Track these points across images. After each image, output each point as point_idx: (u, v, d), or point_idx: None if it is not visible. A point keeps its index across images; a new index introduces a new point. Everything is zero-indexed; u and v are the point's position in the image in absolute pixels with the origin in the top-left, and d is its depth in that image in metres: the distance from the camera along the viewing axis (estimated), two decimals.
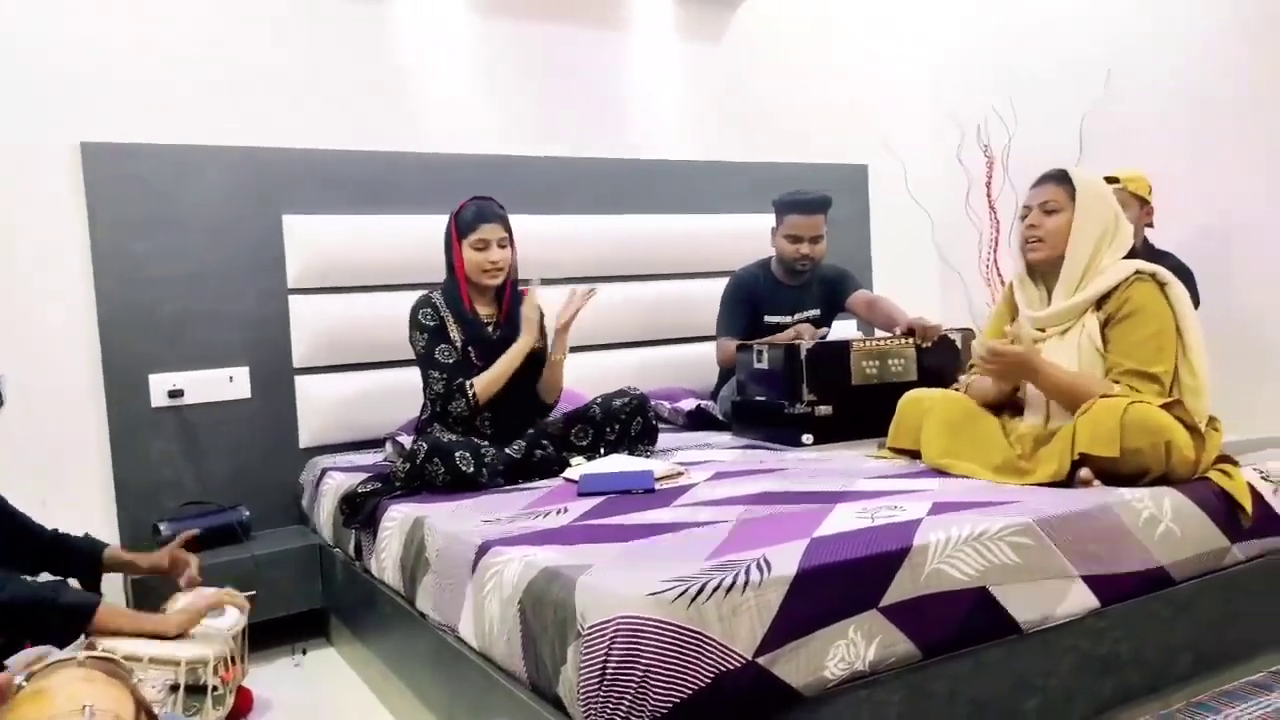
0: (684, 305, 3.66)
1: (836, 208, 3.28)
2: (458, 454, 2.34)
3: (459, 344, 2.58)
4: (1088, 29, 3.72)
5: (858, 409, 2.70)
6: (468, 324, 2.60)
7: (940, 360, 2.84)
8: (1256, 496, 1.99)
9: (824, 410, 2.69)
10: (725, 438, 2.94)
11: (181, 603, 2.18)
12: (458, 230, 2.59)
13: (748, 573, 1.43)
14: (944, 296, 4.33)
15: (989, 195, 3.94)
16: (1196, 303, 3.00)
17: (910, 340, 2.83)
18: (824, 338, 3.09)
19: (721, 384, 3.28)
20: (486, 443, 2.46)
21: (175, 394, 2.86)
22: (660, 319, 3.65)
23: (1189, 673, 1.90)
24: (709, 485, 2.17)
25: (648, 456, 2.60)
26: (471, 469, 2.34)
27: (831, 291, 3.34)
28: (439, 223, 2.69)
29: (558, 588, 1.49)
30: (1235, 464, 2.04)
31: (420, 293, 2.66)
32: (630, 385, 2.78)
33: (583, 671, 1.36)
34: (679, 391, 3.45)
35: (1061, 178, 2.23)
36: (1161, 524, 1.84)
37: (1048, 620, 1.68)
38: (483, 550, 1.76)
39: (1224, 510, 1.93)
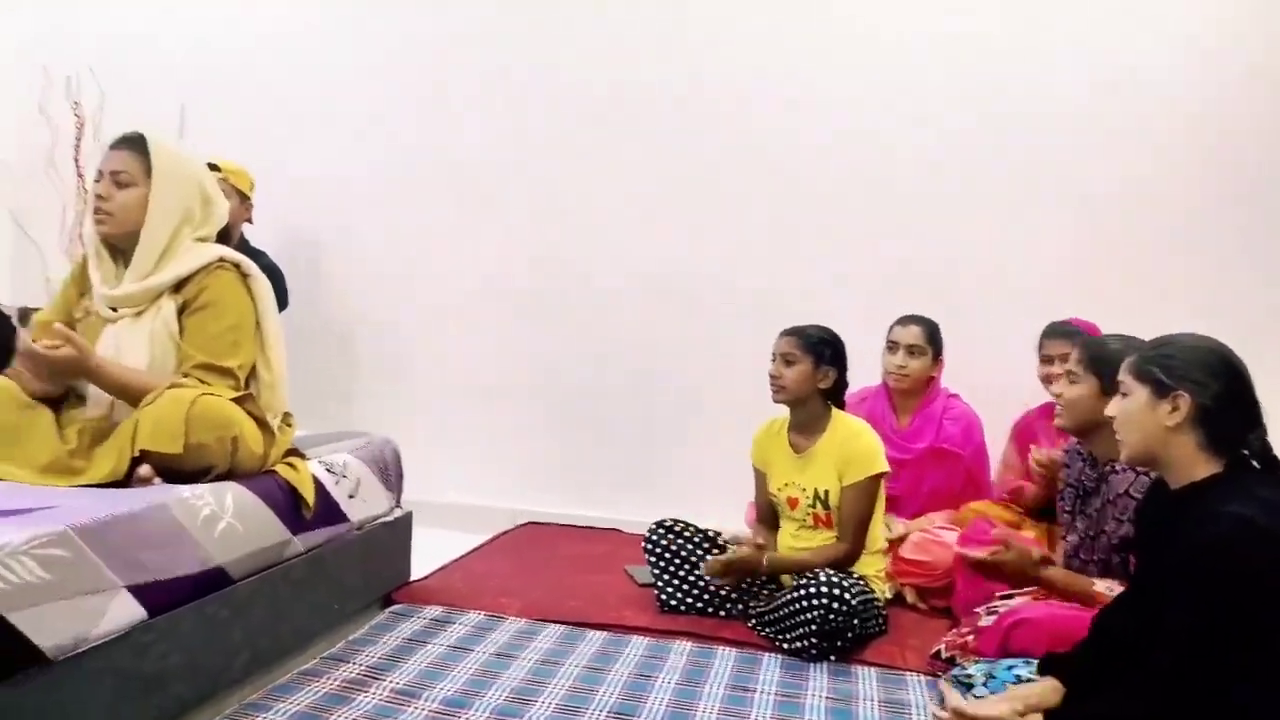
0: None
1: None
2: None
3: None
4: None
5: None
6: None
7: None
8: (320, 488, 2.05)
9: None
10: None
11: None
12: None
13: None
14: (15, 269, 3.64)
15: (78, 158, 3.45)
16: (285, 303, 3.09)
17: None
18: None
19: None
20: None
21: None
22: None
23: (244, 674, 1.84)
24: None
25: None
26: None
27: None
28: None
29: None
30: (304, 457, 2.07)
31: None
32: None
33: None
34: None
35: (137, 144, 1.95)
36: (222, 521, 1.73)
37: (83, 643, 1.42)
38: None
39: (287, 503, 1.93)
